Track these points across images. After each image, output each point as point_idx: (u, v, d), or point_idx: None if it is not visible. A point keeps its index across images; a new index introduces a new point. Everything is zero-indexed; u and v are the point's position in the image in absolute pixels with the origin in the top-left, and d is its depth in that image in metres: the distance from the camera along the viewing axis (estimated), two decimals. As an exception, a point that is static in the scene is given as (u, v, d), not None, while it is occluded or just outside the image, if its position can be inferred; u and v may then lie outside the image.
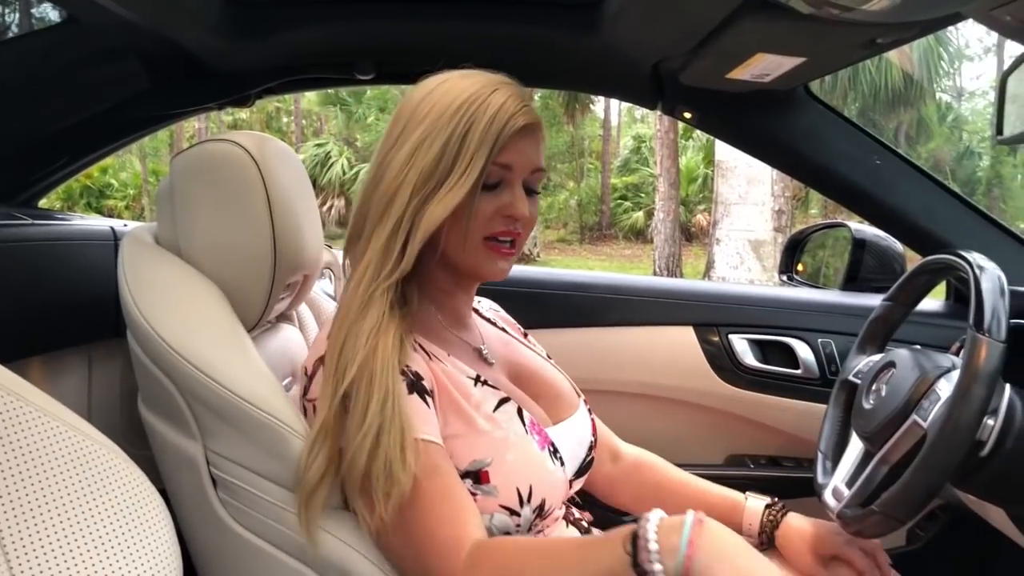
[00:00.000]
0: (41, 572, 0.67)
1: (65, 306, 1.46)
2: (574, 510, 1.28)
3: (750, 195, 9.01)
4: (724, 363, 1.88)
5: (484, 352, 1.25)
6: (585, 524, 1.26)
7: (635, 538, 0.91)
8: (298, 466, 1.06)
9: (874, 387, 1.29)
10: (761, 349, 1.89)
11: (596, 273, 2.07)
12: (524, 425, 1.15)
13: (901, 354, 1.28)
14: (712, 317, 1.92)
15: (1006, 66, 1.12)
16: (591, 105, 18.83)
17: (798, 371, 1.85)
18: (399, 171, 1.08)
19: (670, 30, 1.45)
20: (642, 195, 20.32)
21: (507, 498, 1.07)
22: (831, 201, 2.08)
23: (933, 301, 1.83)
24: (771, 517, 1.32)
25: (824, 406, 1.46)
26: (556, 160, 20.77)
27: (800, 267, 2.25)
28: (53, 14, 1.57)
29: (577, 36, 1.62)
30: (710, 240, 10.08)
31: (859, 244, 1.99)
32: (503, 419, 1.13)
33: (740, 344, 1.88)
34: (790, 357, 1.87)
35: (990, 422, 1.10)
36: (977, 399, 1.05)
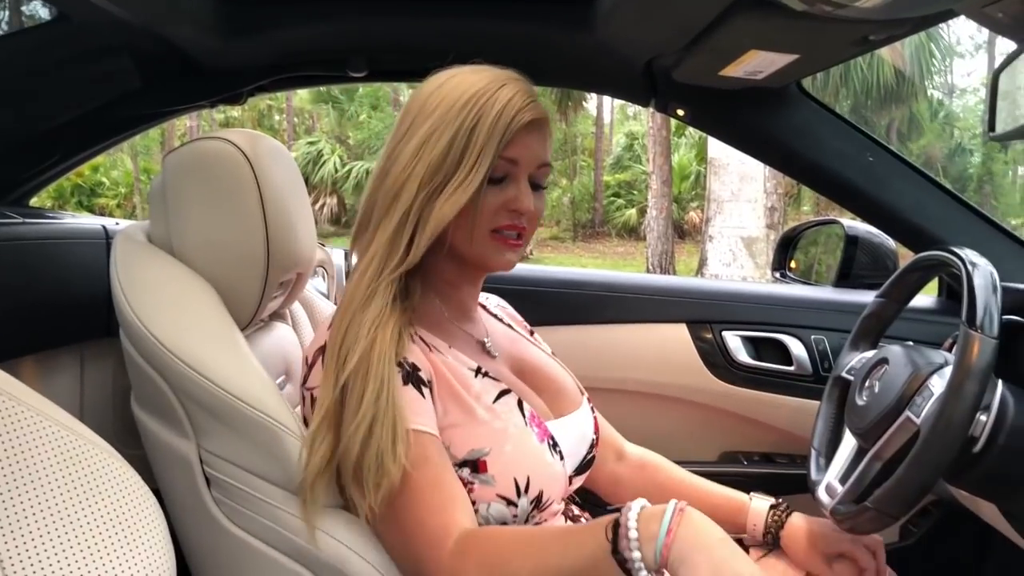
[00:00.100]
0: (34, 572, 0.67)
1: (57, 305, 1.46)
2: (574, 508, 1.29)
3: (743, 192, 9.03)
4: (717, 360, 1.89)
5: (487, 345, 1.25)
6: (584, 520, 1.27)
7: (616, 525, 0.92)
8: (300, 455, 1.07)
9: (867, 384, 1.29)
10: (754, 346, 1.89)
11: (589, 271, 2.07)
12: (524, 417, 1.16)
13: (894, 350, 1.28)
14: (705, 314, 1.92)
15: (997, 63, 1.12)
16: (584, 102, 18.81)
17: (791, 368, 1.86)
18: (407, 164, 1.09)
19: (663, 27, 1.45)
20: (635, 192, 20.32)
21: (504, 488, 1.08)
22: (823, 198, 2.09)
23: (926, 297, 1.84)
24: (776, 518, 1.32)
25: (817, 403, 1.46)
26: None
27: (793, 264, 2.25)
28: (43, 12, 1.56)
29: (570, 33, 1.62)
30: (703, 237, 10.09)
31: (852, 241, 2.00)
32: (503, 410, 1.14)
33: (733, 341, 1.89)
34: (783, 354, 1.88)
35: (983, 418, 1.10)
36: (970, 395, 1.05)
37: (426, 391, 1.08)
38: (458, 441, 1.09)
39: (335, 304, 1.73)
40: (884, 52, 14.84)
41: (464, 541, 1.00)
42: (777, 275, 2.27)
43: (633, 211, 19.71)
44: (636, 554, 0.89)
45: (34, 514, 0.69)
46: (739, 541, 1.33)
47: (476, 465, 1.08)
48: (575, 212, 20.59)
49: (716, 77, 1.57)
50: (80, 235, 1.54)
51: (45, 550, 0.68)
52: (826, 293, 2.00)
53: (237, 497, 1.12)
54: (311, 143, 20.70)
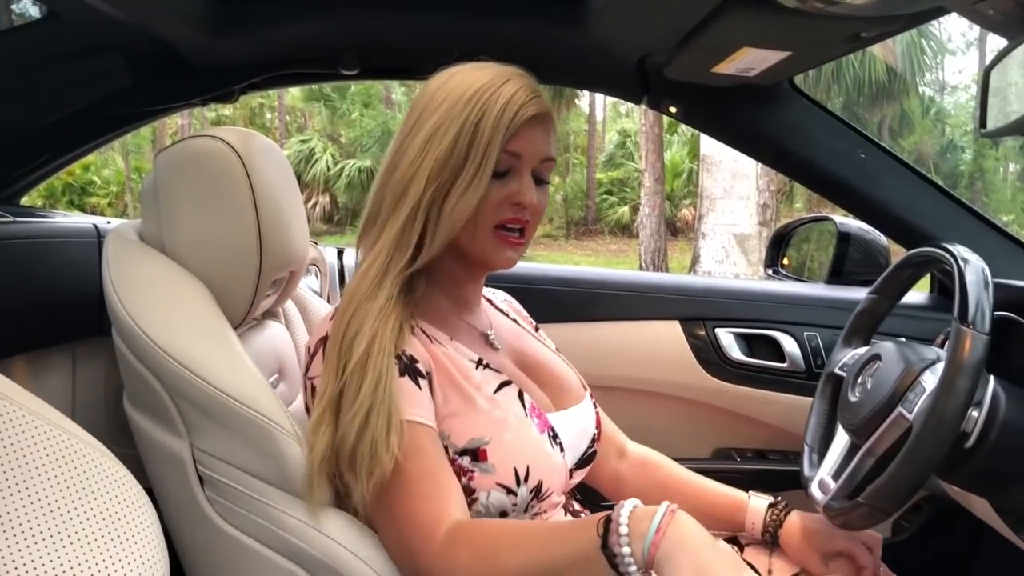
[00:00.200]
0: (27, 572, 0.66)
1: (48, 304, 1.45)
2: (575, 503, 1.30)
3: (735, 189, 9.03)
4: (710, 357, 1.89)
5: (491, 337, 1.27)
6: (584, 516, 1.27)
7: (608, 521, 0.94)
8: (304, 445, 1.09)
9: (860, 380, 1.29)
10: (747, 343, 1.90)
11: (582, 268, 2.08)
12: (524, 408, 1.17)
13: (886, 347, 1.29)
14: (698, 311, 1.92)
15: (988, 60, 1.12)
16: (576, 100, 18.80)
17: (784, 364, 1.86)
18: (414, 159, 1.11)
19: (655, 25, 1.45)
20: (627, 190, 20.32)
21: (504, 476, 1.10)
22: (816, 195, 2.09)
23: (918, 294, 1.84)
24: (774, 517, 1.32)
25: (810, 399, 1.47)
26: (542, 155, 20.72)
27: (785, 261, 2.26)
28: (33, 10, 1.55)
29: (562, 31, 1.62)
30: (695, 234, 10.10)
31: (844, 238, 2.00)
32: (503, 401, 1.16)
33: (726, 338, 1.89)
34: (776, 351, 1.88)
35: (974, 414, 1.11)
36: (962, 391, 1.06)
37: (423, 382, 1.10)
38: (458, 430, 1.10)
39: (328, 302, 1.72)
40: (876, 49, 14.86)
41: (455, 532, 1.01)
42: (770, 272, 2.27)
43: (626, 208, 19.72)
44: (625, 550, 0.91)
45: (27, 514, 0.69)
46: (734, 540, 1.34)
47: (476, 454, 1.10)
48: (568, 210, 20.58)
49: (708, 74, 1.57)
50: (71, 234, 1.54)
51: (38, 550, 0.68)
52: (818, 290, 2.01)
53: (230, 496, 1.12)
54: (303, 141, 20.64)
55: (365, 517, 1.11)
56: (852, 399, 1.28)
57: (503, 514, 1.11)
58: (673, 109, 1.78)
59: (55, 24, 1.47)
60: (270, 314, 1.49)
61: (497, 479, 1.10)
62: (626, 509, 0.94)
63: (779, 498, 1.35)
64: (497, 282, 1.48)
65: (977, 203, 19.39)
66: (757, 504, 1.34)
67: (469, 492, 1.10)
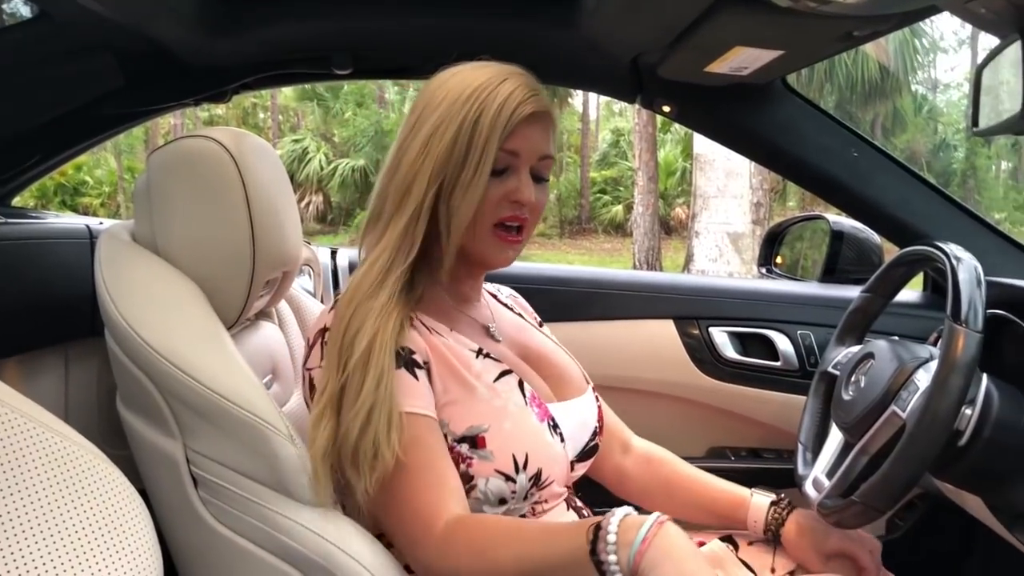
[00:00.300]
0: (19, 575, 0.66)
1: (40, 305, 1.45)
2: (577, 500, 1.30)
3: (728, 188, 9.05)
4: (704, 356, 1.89)
5: (492, 329, 1.28)
6: (585, 513, 1.29)
7: (598, 528, 0.95)
8: (306, 438, 1.10)
9: (853, 378, 1.30)
10: (741, 342, 1.90)
11: (576, 267, 2.08)
12: (524, 397, 1.19)
13: (879, 345, 1.29)
14: (692, 310, 1.92)
15: (980, 58, 1.12)
16: (569, 99, 18.82)
17: (778, 363, 1.87)
18: (415, 159, 1.13)
19: (648, 24, 1.45)
20: (621, 189, 20.32)
21: (503, 463, 1.11)
22: (809, 193, 2.09)
23: (911, 292, 1.85)
24: (776, 515, 1.32)
25: (804, 398, 1.47)
26: (535, 154, 20.71)
27: (779, 259, 2.26)
28: (24, 10, 1.54)
29: (555, 31, 1.62)
30: (689, 233, 10.12)
31: (837, 236, 2.00)
32: (503, 389, 1.17)
33: (720, 337, 1.89)
34: (770, 349, 1.88)
35: (968, 412, 1.11)
36: (955, 389, 1.06)
37: (420, 373, 1.11)
38: (457, 417, 1.12)
39: (321, 303, 1.72)
40: (868, 48, 14.91)
41: (454, 525, 1.04)
42: (763, 271, 2.28)
43: (619, 207, 19.72)
44: (612, 557, 0.93)
45: (19, 516, 0.69)
46: (729, 539, 1.34)
47: (474, 441, 1.12)
48: (562, 209, 20.58)
49: (701, 73, 1.57)
50: (64, 235, 1.53)
51: (31, 552, 0.68)
52: (812, 288, 2.01)
53: (224, 497, 1.12)
54: (296, 141, 20.60)
55: (368, 512, 1.12)
56: (846, 397, 1.29)
57: (502, 501, 1.12)
58: (666, 108, 1.78)
59: (46, 24, 1.46)
60: (263, 314, 1.49)
61: (496, 466, 1.11)
62: (616, 517, 0.95)
63: (782, 495, 1.35)
64: (491, 281, 1.48)
65: (970, 201, 19.38)
66: (759, 501, 1.35)
67: (468, 479, 1.11)
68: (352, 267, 1.94)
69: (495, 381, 1.18)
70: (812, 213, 2.25)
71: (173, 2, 1.44)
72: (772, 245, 2.28)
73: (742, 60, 1.47)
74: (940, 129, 23.40)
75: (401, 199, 1.13)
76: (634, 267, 12.84)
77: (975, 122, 1.13)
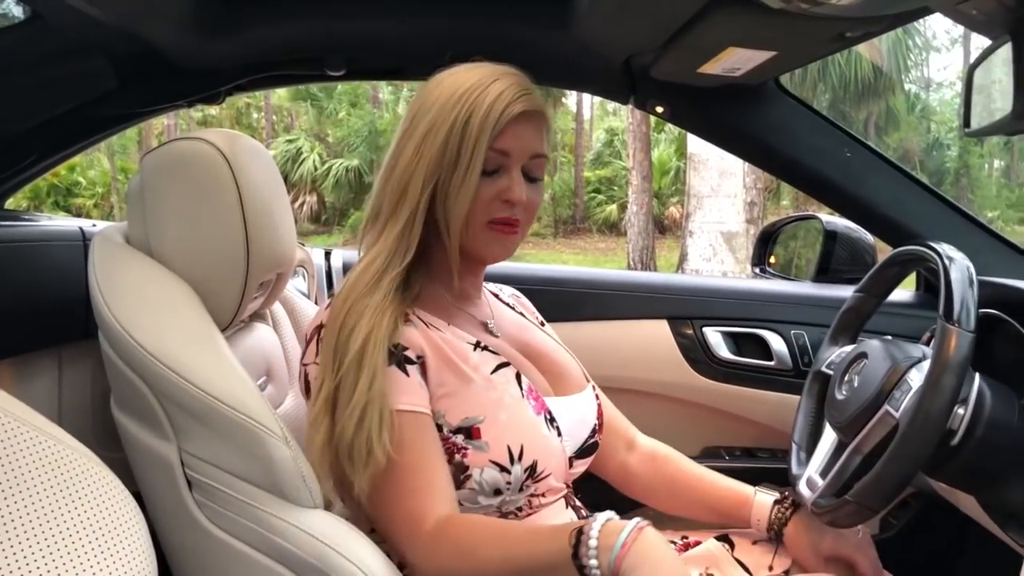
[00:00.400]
0: (14, 579, 0.66)
1: (34, 308, 1.45)
2: (575, 498, 1.31)
3: (722, 187, 9.05)
4: (698, 356, 1.89)
5: (490, 325, 1.30)
6: (584, 513, 1.30)
7: (580, 532, 0.99)
8: (305, 436, 1.13)
9: (846, 378, 1.30)
10: (735, 341, 1.90)
11: (569, 268, 2.08)
12: (521, 389, 1.21)
13: (873, 345, 1.29)
14: (686, 310, 1.93)
15: (973, 58, 1.13)
16: (563, 99, 18.82)
17: (771, 363, 1.87)
18: (409, 161, 1.15)
19: (641, 25, 1.45)
20: (615, 188, 20.32)
21: (498, 454, 1.13)
22: (802, 193, 2.10)
23: (904, 292, 1.85)
24: (779, 514, 1.33)
25: (798, 397, 1.47)
26: (529, 154, 20.71)
27: (772, 259, 2.26)
28: (17, 10, 1.54)
29: (548, 32, 1.62)
30: (683, 233, 10.11)
31: (830, 236, 2.00)
32: (500, 382, 1.19)
33: (714, 337, 1.89)
34: (763, 349, 1.88)
35: (960, 411, 1.12)
36: (947, 389, 1.07)
37: (411, 368, 1.13)
38: (453, 409, 1.14)
39: (316, 304, 1.72)
40: (861, 47, 14.92)
41: (442, 525, 1.06)
42: (757, 270, 2.28)
43: (613, 207, 19.71)
44: (593, 562, 0.96)
45: (11, 520, 0.69)
46: (725, 538, 1.35)
47: (470, 432, 1.14)
48: (556, 208, 20.56)
49: (694, 74, 1.57)
50: (57, 237, 1.53)
51: (24, 556, 0.68)
52: (805, 288, 2.01)
53: (219, 499, 1.12)
54: (290, 141, 20.54)
55: (366, 510, 1.14)
56: (839, 397, 1.29)
57: (497, 492, 1.14)
58: (660, 109, 1.78)
59: (39, 26, 1.46)
60: (258, 316, 1.49)
61: (490, 456, 1.13)
62: (598, 523, 0.99)
63: (786, 493, 1.36)
64: (487, 281, 1.48)
65: (963, 199, 19.50)
66: (763, 500, 1.35)
67: (463, 469, 1.13)
68: (346, 268, 1.94)
69: (492, 373, 1.19)
70: (805, 213, 2.25)
71: (166, 4, 1.44)
72: (766, 245, 2.28)
73: (735, 61, 1.47)
74: (933, 128, 23.46)
75: (397, 201, 1.15)
76: (628, 266, 12.85)
77: (967, 123, 1.14)
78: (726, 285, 2.12)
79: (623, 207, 17.03)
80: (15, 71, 1.52)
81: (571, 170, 21.76)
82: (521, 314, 1.43)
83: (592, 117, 25.45)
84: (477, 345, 1.22)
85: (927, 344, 1.31)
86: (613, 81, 1.76)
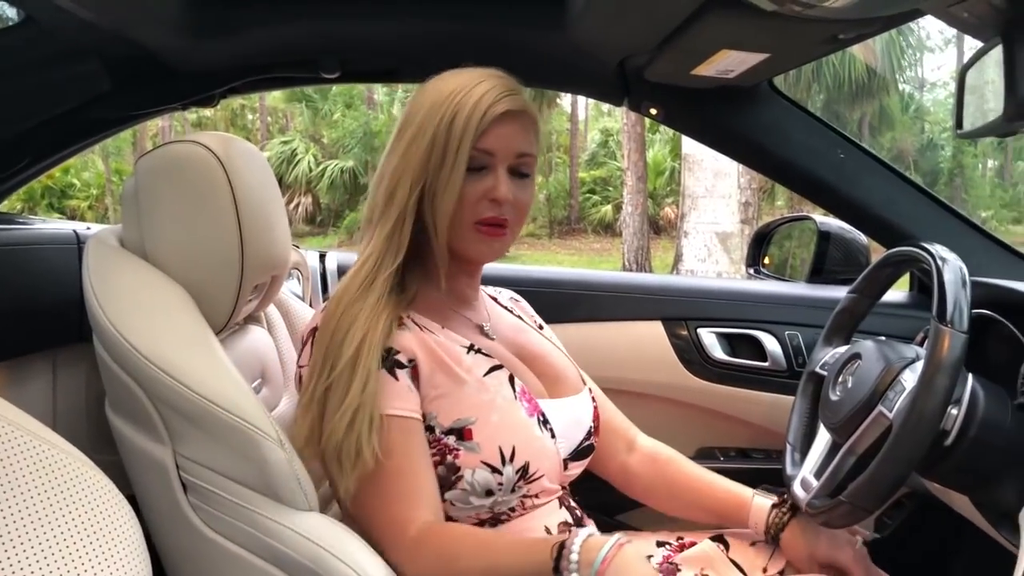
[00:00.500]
0: (8, 584, 0.66)
1: (28, 311, 1.44)
2: (571, 499, 1.31)
3: (717, 188, 9.06)
4: (693, 357, 1.89)
5: (485, 328, 1.30)
6: (578, 513, 1.30)
7: (561, 547, 1.02)
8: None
9: (840, 379, 1.30)
10: (729, 342, 1.90)
11: (564, 269, 2.08)
12: (514, 391, 1.22)
13: (866, 345, 1.30)
14: (680, 311, 1.93)
15: (966, 58, 1.13)
16: (558, 99, 18.80)
17: (766, 364, 1.87)
18: (398, 164, 1.17)
19: (635, 28, 1.46)
20: (610, 189, 20.31)
21: (489, 455, 1.14)
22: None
23: (898, 292, 1.86)
24: (776, 519, 1.33)
25: (792, 398, 1.48)
26: (524, 155, 20.73)
27: (767, 260, 2.26)
28: (10, 12, 1.54)
29: (542, 34, 1.62)
30: (678, 233, 10.12)
31: (824, 237, 2.01)
32: (492, 384, 1.20)
33: (708, 338, 1.89)
34: (758, 350, 1.89)
35: (953, 411, 1.12)
36: (941, 389, 1.07)
37: (401, 373, 1.14)
38: (445, 410, 1.15)
39: (310, 306, 1.72)
40: (855, 48, 14.95)
41: (425, 533, 1.09)
42: (751, 271, 2.28)
43: (609, 207, 19.71)
44: (574, 575, 1.01)
45: (5, 524, 0.69)
46: (719, 538, 1.35)
47: (462, 433, 1.15)
48: (551, 209, 20.56)
49: (688, 76, 1.57)
50: (51, 240, 1.53)
51: (18, 560, 0.68)
52: (799, 289, 2.02)
53: (214, 502, 1.12)
54: (285, 142, 20.51)
55: (350, 512, 1.16)
56: (833, 398, 1.29)
57: (489, 492, 1.15)
58: (654, 111, 1.78)
59: (32, 28, 1.46)
60: (252, 319, 1.49)
61: (482, 457, 1.14)
62: (580, 538, 1.03)
63: (785, 497, 1.35)
64: (483, 283, 1.48)
65: (957, 199, 19.55)
66: (760, 503, 1.35)
67: (454, 470, 1.14)
68: (341, 270, 1.94)
69: (485, 376, 1.21)
70: (799, 214, 2.26)
71: (159, 7, 1.44)
72: (760, 246, 2.28)
73: (728, 63, 1.47)
74: (927, 128, 23.50)
75: (386, 203, 1.17)
76: (623, 267, 12.86)
77: (959, 124, 1.14)
78: (720, 286, 2.13)
79: (618, 208, 17.04)
80: (8, 74, 1.52)
81: (566, 171, 21.75)
82: (519, 317, 1.44)
83: (587, 118, 25.48)
84: (471, 348, 1.23)
85: (920, 345, 1.32)
86: (607, 83, 1.76)
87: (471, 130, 1.13)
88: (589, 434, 1.33)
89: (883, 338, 1.32)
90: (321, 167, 19.54)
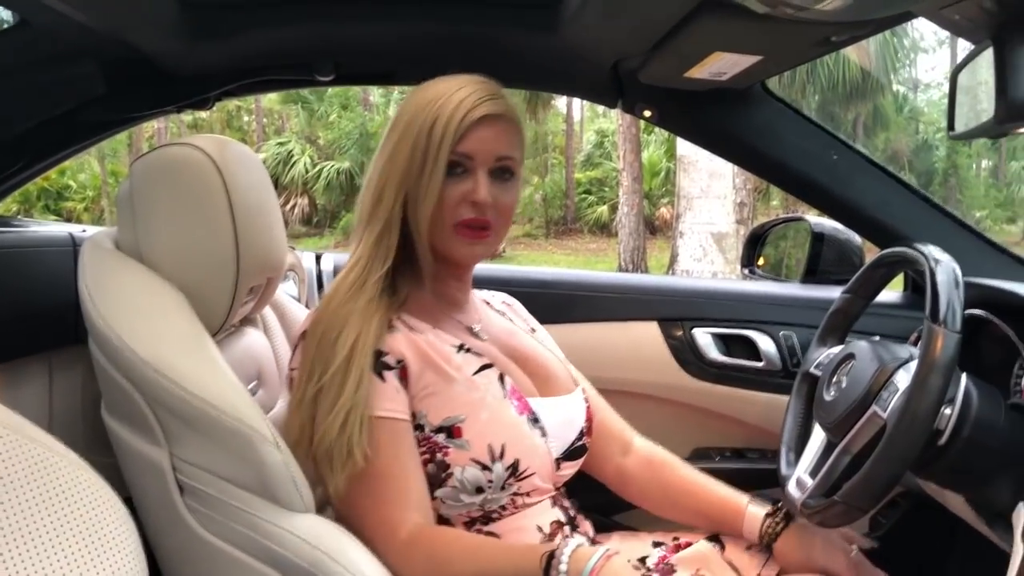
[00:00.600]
0: (4, 586, 0.66)
1: (24, 314, 1.44)
2: (564, 499, 1.32)
3: (712, 189, 9.06)
4: (688, 357, 1.90)
5: (476, 329, 1.31)
6: (572, 512, 1.31)
7: (551, 556, 1.04)
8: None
9: (835, 379, 1.31)
10: (724, 343, 1.90)
11: (559, 270, 2.09)
12: (504, 390, 1.24)
13: (860, 346, 1.30)
14: (676, 312, 1.93)
15: (959, 59, 1.14)
16: (553, 101, 18.82)
17: (761, 364, 1.87)
18: (383, 169, 1.21)
19: (628, 30, 1.46)
20: (606, 189, 20.34)
21: (479, 452, 1.16)
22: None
23: (892, 293, 1.86)
24: (769, 528, 1.32)
25: (787, 398, 1.48)
26: (520, 156, 20.75)
27: (761, 261, 2.27)
28: (5, 15, 1.54)
29: (536, 37, 1.62)
30: (673, 234, 10.13)
31: (818, 237, 2.01)
32: (482, 382, 1.22)
33: (703, 338, 1.90)
34: (753, 350, 1.89)
35: (947, 411, 1.13)
36: (934, 389, 1.07)
37: (388, 374, 1.15)
38: (435, 408, 1.17)
39: (307, 308, 1.72)
40: (849, 49, 14.97)
41: (416, 536, 1.11)
42: (746, 272, 2.29)
43: (604, 208, 19.73)
44: None
45: (1, 528, 0.69)
46: (715, 538, 1.35)
47: (451, 431, 1.16)
48: (547, 209, 20.60)
49: (681, 79, 1.58)
50: (47, 243, 1.53)
51: (13, 563, 0.68)
52: (794, 289, 2.02)
53: (210, 504, 1.12)
54: (281, 144, 20.51)
55: (338, 510, 1.18)
56: (827, 398, 1.30)
57: (479, 489, 1.16)
58: (647, 113, 1.78)
59: (27, 31, 1.46)
60: (248, 321, 1.49)
61: (471, 455, 1.16)
62: (569, 548, 1.05)
63: (780, 505, 1.35)
64: (478, 285, 1.48)
65: (951, 199, 19.59)
66: (754, 511, 1.35)
67: (444, 467, 1.16)
68: (337, 272, 1.93)
69: (474, 374, 1.22)
70: (794, 215, 2.26)
71: (154, 10, 1.44)
72: (754, 246, 2.29)
73: (721, 65, 1.48)
74: (921, 128, 23.53)
75: (373, 207, 1.20)
76: (619, 267, 12.87)
77: (952, 126, 1.15)
78: (715, 287, 2.13)
79: (614, 208, 17.04)
80: (3, 77, 1.52)
81: (562, 171, 21.77)
82: (511, 320, 1.45)
83: (582, 119, 25.47)
84: (461, 347, 1.25)
85: (914, 345, 1.32)
86: (601, 85, 1.77)
87: (450, 134, 1.16)
88: (582, 434, 1.34)
89: (877, 338, 1.32)
90: (317, 168, 19.55)
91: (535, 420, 1.24)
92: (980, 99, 1.08)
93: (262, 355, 1.46)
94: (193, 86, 1.70)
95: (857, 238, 1.96)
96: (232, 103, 20.94)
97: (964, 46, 1.11)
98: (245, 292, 1.28)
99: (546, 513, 1.25)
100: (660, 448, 1.49)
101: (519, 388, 1.27)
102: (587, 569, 1.03)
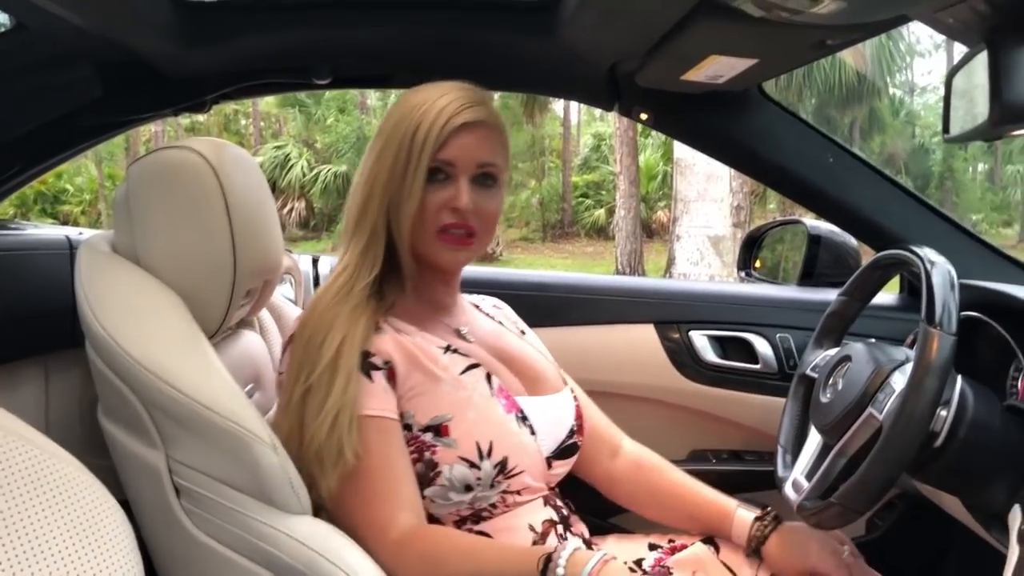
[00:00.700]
0: (1, 588, 0.66)
1: (21, 317, 1.44)
2: (557, 499, 1.32)
3: (709, 192, 9.08)
4: (685, 359, 1.90)
5: (463, 331, 1.32)
6: (565, 512, 1.31)
7: (548, 559, 1.05)
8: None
9: (831, 381, 1.31)
10: (721, 345, 1.91)
11: (556, 273, 2.09)
12: (491, 389, 1.24)
13: (856, 348, 1.30)
14: (672, 314, 1.93)
15: (955, 61, 1.14)
16: (550, 104, 18.83)
17: (757, 366, 1.87)
18: (368, 176, 1.22)
19: (625, 33, 1.46)
20: (603, 193, 20.35)
21: (466, 450, 1.17)
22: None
23: (888, 295, 1.87)
24: (759, 531, 1.33)
25: (784, 400, 1.48)
26: (517, 159, 20.69)
27: (758, 263, 2.27)
28: (2, 18, 1.54)
29: (533, 40, 1.63)
30: (670, 237, 10.14)
31: (814, 240, 2.02)
32: (469, 381, 1.23)
33: (700, 340, 1.90)
34: (749, 352, 1.89)
35: (943, 413, 1.13)
36: (930, 391, 1.07)
37: (376, 374, 1.16)
38: (423, 408, 1.18)
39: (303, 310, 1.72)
40: (845, 53, 15.00)
41: (409, 536, 1.11)
42: (742, 274, 2.29)
43: (601, 211, 19.75)
44: None
45: (-1, 530, 0.69)
46: (710, 540, 1.35)
47: (439, 430, 1.17)
48: (544, 213, 20.61)
49: (678, 82, 1.58)
50: (43, 246, 1.53)
51: (12, 565, 0.68)
52: (790, 292, 2.02)
53: (207, 506, 1.12)
54: (278, 147, 20.53)
55: (330, 511, 1.17)
56: (823, 400, 1.30)
57: (468, 488, 1.17)
58: (644, 116, 1.79)
59: (23, 35, 1.46)
60: (245, 323, 1.49)
61: (459, 453, 1.16)
62: (567, 551, 1.05)
63: (768, 509, 1.36)
64: (471, 288, 1.49)
65: (947, 203, 19.62)
66: (743, 516, 1.35)
67: (432, 466, 1.16)
68: (333, 275, 1.94)
69: (461, 374, 1.23)
70: (790, 217, 2.27)
71: (150, 13, 1.44)
72: (751, 249, 2.29)
73: (718, 68, 1.48)
74: (918, 132, 23.57)
75: (359, 214, 1.22)
76: (616, 270, 12.88)
77: (947, 129, 1.15)
78: (712, 289, 2.13)
79: (611, 211, 17.05)
80: None
81: (559, 175, 21.79)
82: (500, 323, 1.45)
83: (579, 122, 25.47)
84: (447, 348, 1.26)
85: (910, 347, 1.32)
86: (598, 88, 1.77)
87: (431, 141, 1.17)
88: (572, 433, 1.34)
89: (873, 340, 1.33)
90: (314, 172, 19.55)
91: (523, 418, 1.25)
92: (975, 102, 1.08)
93: (259, 358, 1.46)
94: (190, 89, 1.70)
95: (853, 241, 1.96)
96: (229, 106, 20.95)
97: (960, 49, 1.11)
98: (242, 295, 1.28)
99: (538, 512, 1.25)
100: (649, 451, 1.49)
101: (507, 387, 1.28)
102: (584, 573, 1.03)
